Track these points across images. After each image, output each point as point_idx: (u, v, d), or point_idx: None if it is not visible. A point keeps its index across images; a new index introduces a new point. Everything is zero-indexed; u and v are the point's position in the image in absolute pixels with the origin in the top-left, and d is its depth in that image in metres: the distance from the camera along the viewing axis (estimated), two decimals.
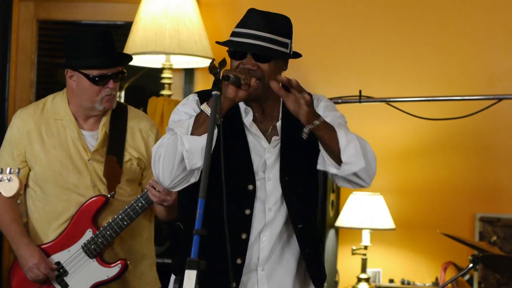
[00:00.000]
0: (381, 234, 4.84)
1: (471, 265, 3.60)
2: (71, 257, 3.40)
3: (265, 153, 2.75)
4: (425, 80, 5.01)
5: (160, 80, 4.91)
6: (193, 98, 2.77)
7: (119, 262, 3.41)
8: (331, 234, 4.77)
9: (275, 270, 2.79)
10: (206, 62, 4.85)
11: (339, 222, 4.76)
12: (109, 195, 3.39)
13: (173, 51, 4.71)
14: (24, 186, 3.45)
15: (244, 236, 2.72)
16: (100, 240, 3.37)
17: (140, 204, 3.35)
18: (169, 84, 4.90)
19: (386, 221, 4.71)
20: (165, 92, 4.89)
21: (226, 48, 2.74)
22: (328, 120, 2.69)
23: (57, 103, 3.46)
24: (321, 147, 2.66)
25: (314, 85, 5.06)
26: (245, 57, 2.67)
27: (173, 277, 2.87)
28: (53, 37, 5.33)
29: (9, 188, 2.65)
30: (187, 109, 2.72)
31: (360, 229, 4.71)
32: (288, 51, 2.73)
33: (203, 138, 2.54)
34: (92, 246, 3.38)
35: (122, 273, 3.41)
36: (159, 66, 4.93)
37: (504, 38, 5.03)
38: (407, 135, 5.01)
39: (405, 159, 5.02)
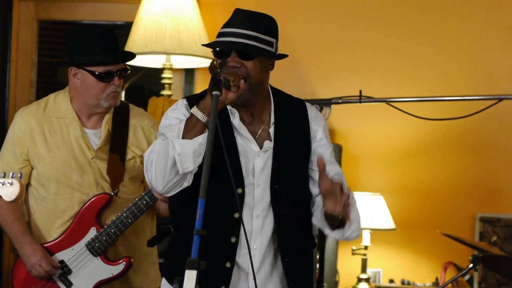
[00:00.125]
0: (381, 234, 4.84)
1: (471, 265, 3.60)
2: (75, 255, 3.40)
3: (255, 157, 2.74)
4: (425, 80, 5.01)
5: (160, 80, 4.91)
6: (182, 103, 2.77)
7: (123, 260, 3.41)
8: None
9: (268, 279, 2.77)
10: (206, 62, 4.85)
11: None
12: (112, 193, 3.39)
13: (174, 51, 4.72)
14: (26, 185, 3.46)
15: (233, 239, 2.71)
16: (104, 238, 3.38)
17: (144, 201, 3.35)
18: (170, 84, 4.90)
19: (386, 221, 4.71)
20: (165, 92, 4.89)
21: None
22: (322, 149, 2.76)
23: (59, 102, 3.46)
24: (323, 214, 2.66)
25: (314, 85, 5.06)
26: (229, 55, 2.66)
27: (164, 280, 2.86)
28: (53, 37, 5.34)
29: (10, 192, 2.65)
30: (177, 114, 2.72)
31: (360, 229, 4.70)
32: (273, 50, 2.71)
33: (194, 141, 2.55)
34: (97, 244, 3.39)
35: (126, 271, 3.41)
36: (160, 66, 4.93)
37: (504, 38, 5.03)
38: (407, 135, 5.01)
39: (405, 159, 5.03)
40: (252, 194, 2.73)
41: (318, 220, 2.75)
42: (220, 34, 2.70)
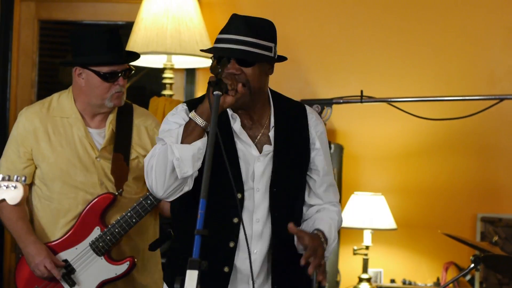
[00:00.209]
0: (382, 234, 4.84)
1: (472, 265, 3.60)
2: (79, 254, 3.40)
3: (254, 162, 2.74)
4: (426, 80, 5.01)
5: (161, 80, 4.91)
6: (182, 107, 2.77)
7: (127, 259, 3.41)
8: None
9: (265, 283, 2.77)
10: (207, 62, 4.86)
11: None
12: (117, 193, 3.40)
13: (174, 51, 4.72)
14: (30, 185, 3.46)
15: (232, 244, 2.71)
16: (108, 237, 3.38)
17: (149, 201, 3.35)
18: (171, 84, 4.91)
19: (388, 221, 4.71)
20: (166, 92, 4.89)
21: None
22: (319, 159, 2.80)
23: (63, 101, 3.46)
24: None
25: (315, 85, 5.06)
26: (229, 62, 2.66)
27: (165, 285, 2.86)
28: (54, 37, 5.34)
29: (14, 196, 2.64)
30: (176, 119, 2.72)
31: (362, 229, 4.71)
32: (272, 55, 2.72)
33: (193, 146, 2.56)
34: (101, 244, 3.38)
35: (130, 271, 3.41)
36: (161, 66, 4.93)
37: (504, 38, 5.03)
38: (408, 135, 5.01)
39: (406, 159, 5.03)
40: (252, 198, 2.73)
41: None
42: (218, 40, 2.70)
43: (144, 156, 3.42)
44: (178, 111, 2.75)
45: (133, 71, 3.45)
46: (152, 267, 3.56)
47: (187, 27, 4.75)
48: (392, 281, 4.96)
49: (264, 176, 2.74)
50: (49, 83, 5.34)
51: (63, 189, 3.40)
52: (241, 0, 4.88)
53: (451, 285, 4.64)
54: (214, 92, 2.51)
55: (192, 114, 2.61)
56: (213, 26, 4.95)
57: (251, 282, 2.70)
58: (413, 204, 5.02)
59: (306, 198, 2.86)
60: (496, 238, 4.58)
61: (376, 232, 4.71)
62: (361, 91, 4.06)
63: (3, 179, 2.62)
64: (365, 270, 4.71)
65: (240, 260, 2.72)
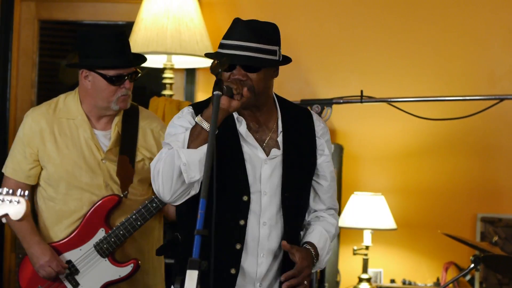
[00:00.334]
0: (382, 234, 4.84)
1: (472, 265, 3.60)
2: (83, 256, 3.41)
3: (262, 165, 2.74)
4: (427, 80, 5.01)
5: (161, 80, 4.91)
6: (188, 110, 2.76)
7: (131, 262, 3.41)
8: None
9: (272, 286, 2.78)
10: (207, 62, 4.85)
11: (341, 222, 4.76)
12: (122, 195, 3.39)
13: (175, 51, 4.72)
14: (35, 186, 3.47)
15: (238, 246, 2.71)
16: (113, 239, 3.38)
17: (154, 204, 3.35)
18: (171, 84, 4.91)
19: (388, 221, 4.71)
20: (166, 92, 4.89)
21: None
22: (326, 165, 2.84)
23: (69, 103, 3.47)
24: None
25: (315, 85, 5.06)
26: (234, 68, 2.66)
27: None
28: (55, 37, 5.33)
29: (17, 211, 2.63)
30: (182, 122, 2.72)
31: (362, 229, 4.71)
32: (277, 58, 2.71)
33: (200, 150, 2.56)
34: (105, 245, 3.39)
35: (134, 273, 3.41)
36: (161, 66, 4.93)
37: (505, 38, 5.03)
38: (408, 135, 5.01)
39: (406, 159, 5.03)
40: (258, 201, 2.73)
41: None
42: (222, 46, 2.69)
43: (150, 158, 3.44)
44: (184, 114, 2.75)
45: (139, 74, 3.45)
46: (156, 269, 3.56)
47: (187, 27, 4.75)
48: (392, 281, 4.96)
49: (271, 179, 2.75)
50: (49, 83, 5.34)
51: (69, 191, 3.40)
52: (242, 0, 4.87)
53: (451, 285, 4.64)
54: (214, 92, 2.51)
55: (198, 119, 2.61)
56: (213, 26, 4.95)
57: (257, 284, 2.72)
58: (413, 204, 5.02)
59: (311, 203, 2.89)
60: (496, 238, 4.57)
61: (376, 232, 4.71)
62: (361, 91, 4.06)
63: (7, 193, 2.61)
64: (365, 270, 4.71)
65: (247, 262, 2.72)
